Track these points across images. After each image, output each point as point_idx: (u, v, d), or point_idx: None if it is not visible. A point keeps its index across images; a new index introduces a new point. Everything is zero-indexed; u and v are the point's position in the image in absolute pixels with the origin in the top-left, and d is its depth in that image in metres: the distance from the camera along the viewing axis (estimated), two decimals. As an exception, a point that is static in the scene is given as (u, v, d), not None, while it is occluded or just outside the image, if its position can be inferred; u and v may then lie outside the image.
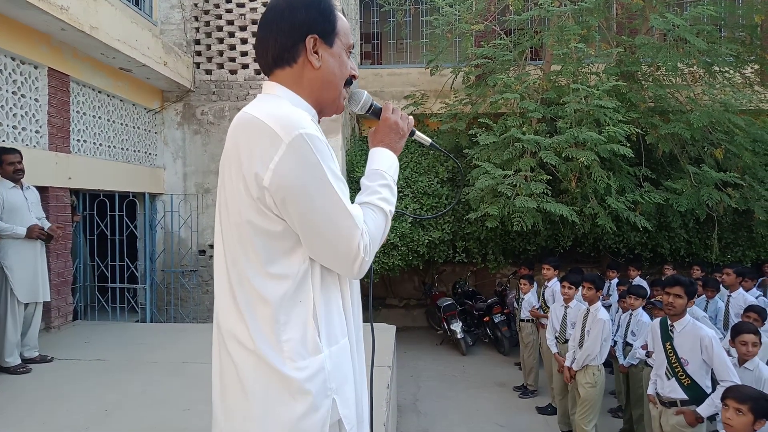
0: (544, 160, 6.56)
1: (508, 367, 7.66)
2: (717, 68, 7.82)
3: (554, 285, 6.05)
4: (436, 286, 9.65)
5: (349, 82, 1.40)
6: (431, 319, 9.64)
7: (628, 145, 6.57)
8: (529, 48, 8.02)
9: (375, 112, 1.50)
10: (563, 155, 6.55)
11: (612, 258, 8.41)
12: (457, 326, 8.22)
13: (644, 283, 6.56)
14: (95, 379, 4.17)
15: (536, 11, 7.27)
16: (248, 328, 1.22)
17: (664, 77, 7.76)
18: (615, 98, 6.85)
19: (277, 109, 1.22)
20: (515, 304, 7.32)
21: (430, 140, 1.60)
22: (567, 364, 4.87)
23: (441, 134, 8.30)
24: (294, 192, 1.18)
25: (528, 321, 6.49)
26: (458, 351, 8.34)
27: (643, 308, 5.42)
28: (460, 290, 9.33)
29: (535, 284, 6.64)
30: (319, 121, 1.39)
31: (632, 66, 7.70)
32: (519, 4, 7.62)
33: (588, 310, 4.76)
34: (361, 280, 1.47)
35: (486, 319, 8.45)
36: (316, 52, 1.32)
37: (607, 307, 6.12)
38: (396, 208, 1.40)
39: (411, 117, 1.51)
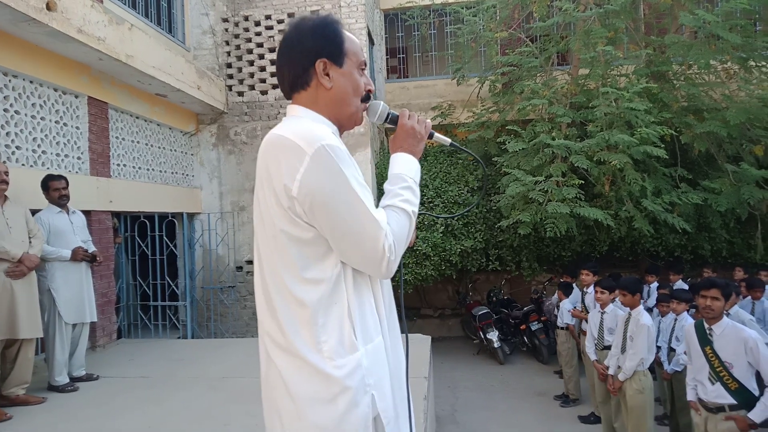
0: (576, 165, 6.48)
1: (547, 375, 7.52)
2: (753, 63, 7.59)
3: (594, 290, 5.96)
4: (471, 295, 9.58)
5: (366, 98, 1.50)
6: (467, 329, 9.56)
7: (662, 146, 6.43)
8: (555, 53, 7.97)
9: (393, 120, 1.56)
10: (595, 159, 6.46)
11: (651, 261, 8.21)
12: (493, 335, 8.13)
13: (686, 287, 6.38)
14: (139, 396, 4.30)
15: (561, 17, 7.24)
16: (288, 333, 1.32)
17: (697, 75, 7.59)
18: (646, 99, 6.73)
19: (299, 126, 1.34)
20: (554, 311, 7.20)
21: (449, 140, 1.65)
22: (611, 372, 4.74)
23: (469, 143, 8.31)
24: (320, 199, 1.27)
25: (563, 329, 6.38)
26: (496, 360, 8.24)
27: (688, 312, 5.27)
28: (495, 298, 9.24)
29: (575, 290, 6.52)
30: (341, 135, 1.50)
31: (663, 66, 7.56)
32: (543, 11, 7.59)
33: (630, 314, 4.64)
34: (394, 290, 1.55)
35: (523, 327, 8.33)
36: (327, 74, 1.42)
37: (647, 311, 5.97)
38: (427, 217, 1.45)
39: (428, 121, 1.57)
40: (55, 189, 4.56)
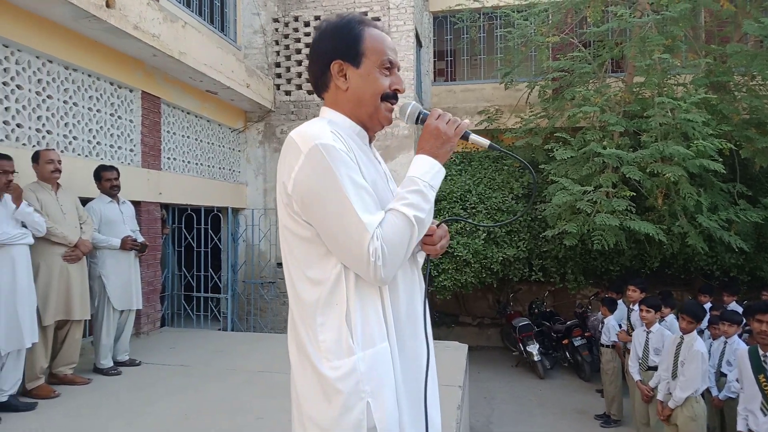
0: (627, 176, 6.24)
1: (588, 393, 7.27)
2: (823, 75, 7.15)
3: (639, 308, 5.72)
4: (512, 305, 9.37)
5: (392, 96, 1.45)
6: (506, 340, 9.35)
7: (720, 159, 6.13)
8: (609, 60, 7.72)
9: (424, 121, 1.48)
10: (648, 170, 6.21)
11: (704, 281, 7.82)
12: (533, 348, 7.92)
13: (739, 309, 6.05)
14: (178, 383, 4.39)
15: (616, 22, 7.00)
16: (296, 328, 1.37)
17: (761, 87, 7.19)
18: (704, 111, 6.43)
19: (307, 126, 1.36)
20: (599, 328, 6.96)
21: (488, 142, 1.50)
22: (660, 397, 4.51)
23: (516, 149, 8.14)
24: (309, 197, 1.29)
25: (608, 347, 6.14)
26: (535, 374, 8.02)
27: (739, 336, 4.98)
28: (537, 310, 9.01)
29: (621, 306, 6.27)
30: (371, 136, 1.49)
31: (723, 76, 7.20)
32: (597, 16, 7.37)
33: (682, 338, 4.40)
34: (431, 297, 1.46)
35: (565, 341, 8.07)
36: (344, 76, 1.42)
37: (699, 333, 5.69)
38: (468, 224, 1.38)
39: (465, 121, 1.46)
40: (107, 179, 4.72)
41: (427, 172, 1.38)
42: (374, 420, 1.27)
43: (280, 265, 8.09)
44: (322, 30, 1.45)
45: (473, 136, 1.49)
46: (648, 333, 4.97)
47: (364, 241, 1.25)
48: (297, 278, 1.35)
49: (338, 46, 1.41)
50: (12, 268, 3.56)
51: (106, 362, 4.63)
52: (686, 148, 5.93)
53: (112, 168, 4.80)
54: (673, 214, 6.53)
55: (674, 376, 4.36)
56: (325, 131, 1.32)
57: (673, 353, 4.45)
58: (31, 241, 3.74)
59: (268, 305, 8.00)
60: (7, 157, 3.64)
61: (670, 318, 5.51)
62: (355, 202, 1.27)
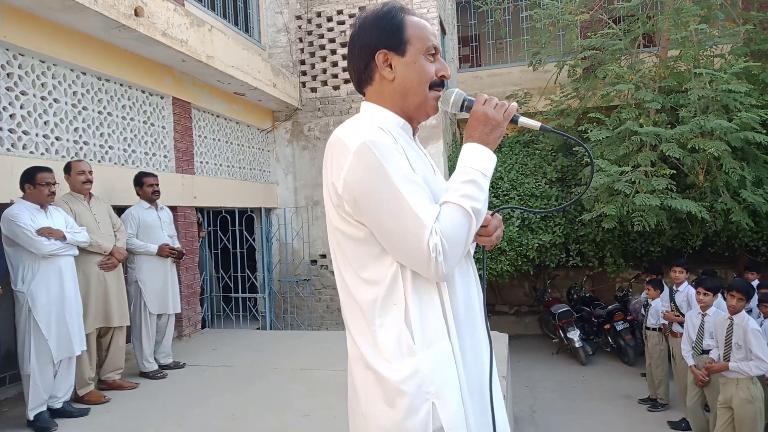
0: (666, 154, 6.05)
1: (633, 378, 7.11)
2: None
3: (686, 289, 5.54)
4: (549, 292, 9.22)
5: (439, 84, 1.40)
6: (545, 327, 9.22)
7: (765, 131, 5.87)
8: (641, 35, 7.46)
9: (469, 108, 1.41)
10: (688, 147, 6.00)
11: (750, 258, 7.53)
12: (574, 334, 7.79)
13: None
14: (223, 384, 4.45)
15: (648, -6, 6.77)
16: (353, 330, 1.33)
17: (806, 52, 6.88)
18: (745, 81, 6.17)
19: (353, 124, 1.33)
20: (641, 311, 6.78)
21: (539, 124, 1.42)
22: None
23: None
24: (362, 196, 1.25)
25: (655, 329, 5.97)
26: (577, 360, 7.89)
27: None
28: (575, 296, 8.84)
29: (666, 288, 6.10)
30: (415, 127, 1.44)
31: (765, 44, 6.90)
32: (628, -11, 7.14)
33: (732, 319, 4.24)
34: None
35: (607, 326, 7.91)
36: (389, 66, 1.37)
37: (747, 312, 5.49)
38: (502, 210, 1.32)
39: (514, 104, 1.39)
40: (149, 185, 4.80)
41: (480, 161, 1.32)
42: (440, 420, 1.23)
43: (313, 262, 8.14)
44: (361, 22, 1.41)
45: (522, 119, 1.41)
46: (704, 316, 4.80)
47: (423, 237, 1.21)
48: (351, 280, 1.31)
49: (382, 36, 1.37)
50: (60, 278, 3.65)
51: (150, 366, 4.71)
52: (728, 121, 5.71)
53: (152, 174, 4.89)
54: (715, 190, 6.31)
55: (726, 359, 4.22)
56: (372, 127, 1.29)
57: (724, 335, 4.30)
58: (76, 252, 3.84)
59: (303, 302, 8.07)
60: (48, 170, 3.73)
61: (718, 299, 5.33)
62: (409, 198, 1.23)
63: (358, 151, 1.24)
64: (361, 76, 1.42)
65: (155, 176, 4.88)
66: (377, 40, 1.38)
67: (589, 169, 6.57)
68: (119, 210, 4.64)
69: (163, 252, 4.81)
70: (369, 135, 1.26)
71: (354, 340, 1.33)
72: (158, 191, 4.86)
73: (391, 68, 1.37)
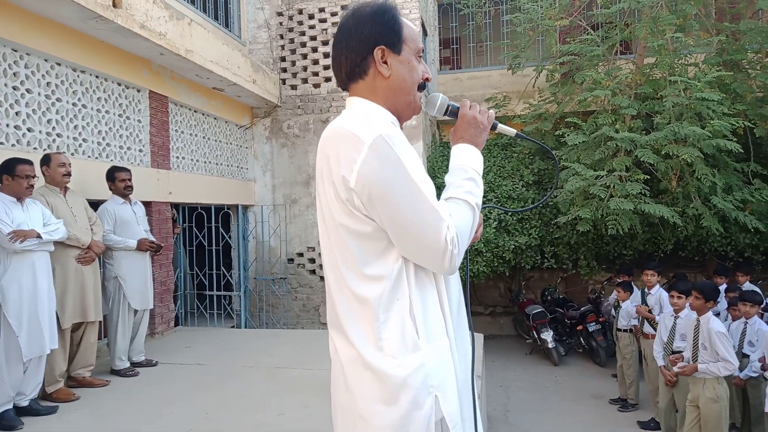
0: (641, 159, 6.17)
1: (604, 378, 7.25)
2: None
3: (658, 292, 5.67)
4: (524, 293, 9.33)
5: (422, 86, 1.45)
6: (519, 328, 9.33)
7: (735, 139, 6.04)
8: (619, 42, 7.61)
9: (453, 113, 1.50)
10: (662, 153, 6.13)
11: (719, 262, 7.74)
12: (547, 335, 7.89)
13: (757, 289, 5.98)
14: (196, 382, 4.39)
15: (626, 3, 6.89)
16: (349, 329, 1.29)
17: (775, 64, 7.08)
18: (718, 90, 6.33)
19: (357, 116, 1.32)
20: (612, 312, 6.91)
21: (515, 131, 1.57)
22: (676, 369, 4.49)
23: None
24: (378, 190, 1.22)
25: (626, 331, 6.09)
26: (549, 361, 8.00)
27: (761, 317, 4.93)
28: (549, 297, 8.97)
29: (636, 291, 6.22)
30: (401, 126, 1.46)
31: (736, 54, 7.08)
32: (607, -4, 7.27)
33: (698, 321, 4.36)
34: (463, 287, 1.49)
35: (579, 328, 8.04)
36: (385, 62, 1.38)
37: (716, 315, 5.64)
38: (498, 211, 1.37)
39: (491, 111, 1.50)
40: (121, 180, 4.71)
41: (475, 161, 1.41)
42: (441, 412, 1.26)
43: (290, 260, 8.09)
44: (359, 15, 1.40)
45: (501, 126, 1.53)
46: (676, 318, 4.91)
47: (442, 230, 1.23)
48: (352, 278, 1.28)
49: (383, 32, 1.38)
50: (33, 274, 3.56)
51: (122, 363, 4.63)
52: (701, 128, 5.85)
53: (125, 169, 4.79)
54: (687, 196, 6.45)
55: (695, 359, 4.32)
56: (384, 121, 1.31)
57: (692, 336, 4.41)
58: (52, 248, 3.75)
59: (279, 301, 8.01)
60: (29, 162, 3.66)
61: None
62: (426, 192, 1.25)
63: (374, 144, 1.23)
64: (355, 70, 1.40)
65: (128, 171, 4.78)
66: (378, 35, 1.37)
67: (565, 173, 6.66)
68: (92, 204, 4.54)
69: (143, 246, 4.75)
70: (384, 128, 1.26)
71: (350, 340, 1.29)
72: (131, 186, 4.76)
73: (387, 65, 1.38)
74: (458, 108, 1.50)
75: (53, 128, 4.56)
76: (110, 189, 4.73)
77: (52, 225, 3.77)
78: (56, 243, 3.85)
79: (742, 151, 6.20)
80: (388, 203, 1.22)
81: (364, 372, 1.27)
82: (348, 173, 1.23)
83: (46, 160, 4.03)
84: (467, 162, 1.40)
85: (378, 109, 1.38)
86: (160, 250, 5.03)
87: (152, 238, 4.99)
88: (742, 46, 7.13)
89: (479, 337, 5.43)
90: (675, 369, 4.48)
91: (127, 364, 4.67)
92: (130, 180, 4.75)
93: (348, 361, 1.30)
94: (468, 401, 1.37)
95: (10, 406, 3.47)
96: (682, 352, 4.55)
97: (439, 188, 1.33)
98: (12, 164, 3.57)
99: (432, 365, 1.26)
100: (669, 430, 4.99)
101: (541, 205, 7.66)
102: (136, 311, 4.78)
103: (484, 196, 7.71)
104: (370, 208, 1.24)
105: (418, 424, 1.22)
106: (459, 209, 1.31)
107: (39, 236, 3.57)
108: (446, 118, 1.54)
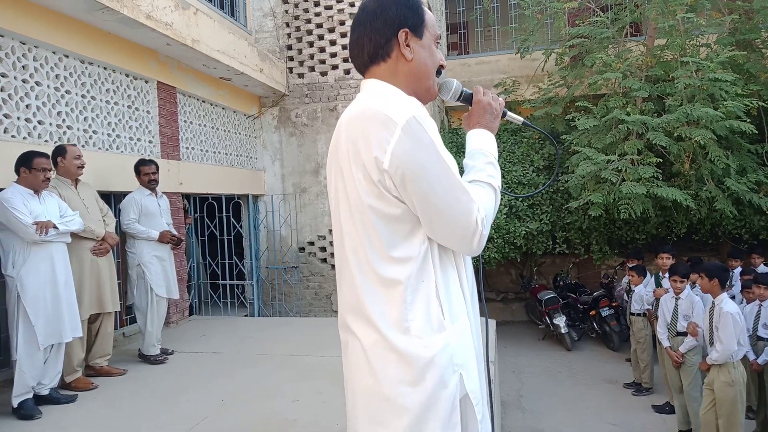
0: (653, 142, 6.10)
1: (617, 363, 7.23)
2: None
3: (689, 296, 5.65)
4: (536, 279, 9.32)
5: (438, 73, 1.46)
6: (531, 314, 9.32)
7: (749, 120, 5.95)
8: (629, 23, 7.49)
9: (466, 98, 1.53)
10: (674, 135, 6.05)
11: (733, 245, 7.67)
12: (560, 320, 7.88)
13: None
14: (211, 371, 4.43)
15: (636, -18, 6.78)
16: (373, 313, 1.28)
17: (790, 42, 6.95)
18: (731, 70, 6.23)
19: (386, 97, 1.32)
20: (624, 297, 6.87)
21: (522, 119, 1.62)
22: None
23: (535, 120, 7.98)
24: (412, 171, 1.22)
25: (639, 315, 6.07)
26: (562, 346, 8.00)
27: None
28: (561, 283, 8.94)
29: (648, 275, 6.18)
30: None
31: (749, 34, 6.97)
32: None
33: (713, 303, 4.32)
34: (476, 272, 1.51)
35: (592, 313, 8.02)
36: (408, 45, 1.38)
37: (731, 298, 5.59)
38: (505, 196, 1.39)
39: (501, 99, 1.54)
40: (145, 173, 4.77)
41: (491, 145, 1.46)
42: (466, 389, 1.28)
43: (301, 249, 8.10)
44: None
45: (509, 114, 1.58)
46: (677, 299, 4.90)
47: (473, 211, 1.26)
48: (378, 260, 1.27)
49: (407, 15, 1.38)
50: (51, 264, 3.60)
51: (153, 350, 4.71)
52: (714, 109, 5.76)
53: (150, 162, 4.83)
54: (700, 178, 6.39)
55: (711, 342, 4.30)
56: (414, 102, 1.33)
57: (707, 319, 4.38)
58: (69, 239, 3.79)
59: (291, 290, 8.05)
60: (46, 155, 3.68)
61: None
62: (456, 173, 1.27)
63: (408, 126, 1.23)
64: (378, 51, 1.39)
65: (154, 164, 4.84)
66: (402, 17, 1.37)
67: (576, 157, 6.60)
68: (103, 195, 4.57)
69: (164, 238, 4.81)
70: (416, 110, 1.27)
71: (374, 323, 1.28)
72: (156, 180, 4.82)
73: (410, 48, 1.39)
74: (471, 94, 1.52)
75: (63, 120, 4.57)
76: (138, 181, 4.81)
77: (68, 216, 3.80)
78: (72, 235, 3.88)
79: (756, 132, 6.10)
80: (422, 185, 1.23)
81: (389, 354, 1.26)
82: (381, 154, 1.22)
83: (61, 152, 4.04)
84: (487, 147, 1.44)
85: (399, 92, 1.38)
86: (180, 243, 5.10)
87: (174, 232, 5.04)
88: (755, 25, 7.00)
89: (491, 323, 5.44)
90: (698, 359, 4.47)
91: (158, 351, 4.74)
92: (154, 174, 4.81)
93: (371, 345, 1.29)
94: (483, 381, 1.40)
95: (30, 396, 3.52)
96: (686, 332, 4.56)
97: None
98: (29, 157, 3.60)
99: (456, 344, 1.28)
100: (682, 412, 4.98)
101: (543, 191, 7.64)
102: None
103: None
104: (402, 189, 1.24)
105: (445, 402, 1.24)
106: (483, 192, 1.34)
107: (55, 227, 3.60)
108: (458, 103, 1.57)
